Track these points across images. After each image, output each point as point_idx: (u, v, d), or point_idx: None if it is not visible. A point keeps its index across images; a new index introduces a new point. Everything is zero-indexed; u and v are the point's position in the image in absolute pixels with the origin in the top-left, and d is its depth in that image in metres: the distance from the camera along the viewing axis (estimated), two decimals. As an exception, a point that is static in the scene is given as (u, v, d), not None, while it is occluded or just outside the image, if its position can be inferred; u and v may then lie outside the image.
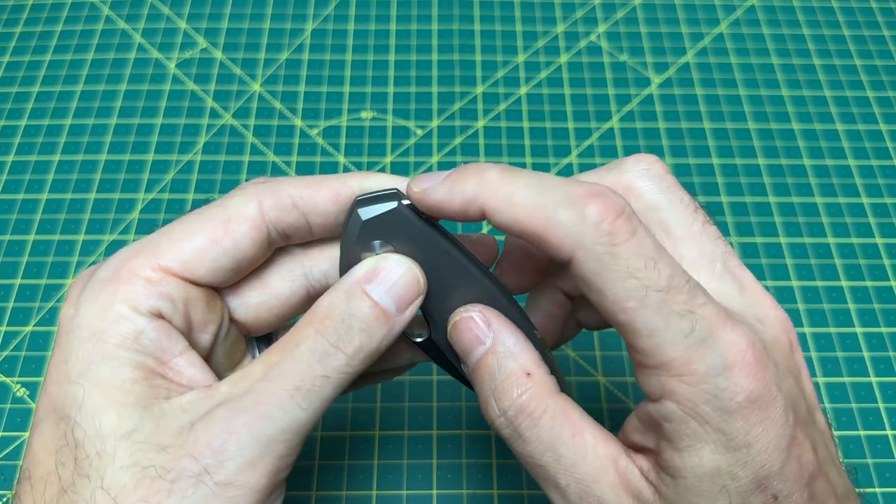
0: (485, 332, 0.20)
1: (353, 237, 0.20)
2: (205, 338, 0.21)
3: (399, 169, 0.39)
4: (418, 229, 0.20)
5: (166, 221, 0.37)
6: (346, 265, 0.21)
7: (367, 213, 0.20)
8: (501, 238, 0.26)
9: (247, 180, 0.39)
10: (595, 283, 0.18)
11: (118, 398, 0.18)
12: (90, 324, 0.19)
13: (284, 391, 0.19)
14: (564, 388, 0.21)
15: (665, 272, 0.18)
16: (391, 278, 0.20)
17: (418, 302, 0.21)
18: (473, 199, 0.19)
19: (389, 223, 0.20)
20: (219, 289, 0.22)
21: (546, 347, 0.22)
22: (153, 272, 0.20)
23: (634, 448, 0.20)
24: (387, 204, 0.20)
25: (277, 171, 0.39)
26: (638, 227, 0.18)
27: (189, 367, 0.20)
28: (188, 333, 0.21)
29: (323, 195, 0.21)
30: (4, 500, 0.30)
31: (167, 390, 0.19)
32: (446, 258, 0.20)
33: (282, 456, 0.19)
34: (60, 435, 0.18)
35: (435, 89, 0.42)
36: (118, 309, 0.19)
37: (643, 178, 0.21)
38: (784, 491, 0.18)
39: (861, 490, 0.22)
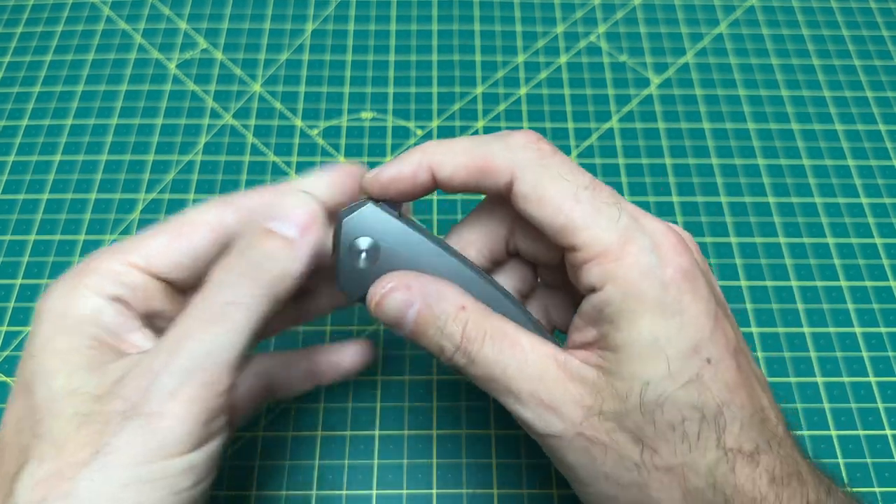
0: (409, 294, 0.22)
1: (342, 241, 0.23)
2: (166, 326, 0.22)
3: (399, 169, 0.39)
4: (390, 222, 0.23)
5: (167, 221, 0.37)
6: (341, 273, 0.23)
7: (347, 216, 0.23)
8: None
9: (247, 180, 0.39)
10: (534, 194, 0.21)
11: (71, 362, 0.21)
12: (55, 307, 0.22)
13: (196, 321, 0.21)
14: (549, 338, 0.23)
15: (587, 175, 0.22)
16: (286, 209, 0.22)
17: (318, 226, 0.22)
18: (420, 163, 0.23)
19: (367, 222, 0.23)
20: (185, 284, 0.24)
21: (520, 306, 0.24)
22: (120, 266, 0.23)
23: (578, 348, 0.22)
24: (362, 206, 0.23)
25: (278, 171, 0.39)
26: (555, 148, 0.22)
27: (145, 341, 0.22)
28: (150, 320, 0.23)
29: (265, 201, 0.24)
30: (5, 499, 0.30)
31: (119, 356, 0.21)
32: (420, 244, 0.23)
33: (206, 383, 0.20)
34: (24, 405, 0.21)
35: (435, 89, 0.42)
36: (81, 292, 0.22)
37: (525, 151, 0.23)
38: (715, 356, 0.20)
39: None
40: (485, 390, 0.22)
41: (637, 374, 0.20)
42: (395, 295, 0.22)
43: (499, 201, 0.24)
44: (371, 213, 0.23)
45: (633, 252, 0.21)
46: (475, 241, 0.25)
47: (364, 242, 0.23)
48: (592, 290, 0.21)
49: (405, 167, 0.23)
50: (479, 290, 0.23)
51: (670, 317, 0.20)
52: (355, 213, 0.23)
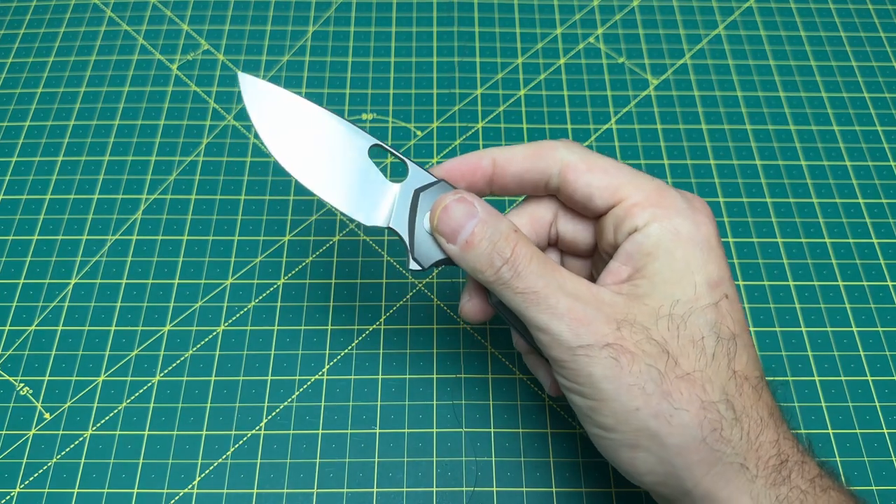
0: (473, 207, 0.25)
1: (419, 214, 0.27)
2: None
3: (399, 169, 0.39)
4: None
5: (169, 221, 0.38)
6: (417, 241, 0.27)
7: (423, 191, 0.27)
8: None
9: (249, 181, 0.39)
10: (583, 164, 0.26)
11: None
12: None
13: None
14: None
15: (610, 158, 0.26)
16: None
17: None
18: (483, 154, 0.27)
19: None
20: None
21: None
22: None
23: (608, 286, 0.25)
24: (435, 184, 0.27)
25: (279, 172, 0.39)
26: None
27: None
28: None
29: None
30: (6, 498, 0.30)
31: None
32: None
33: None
34: None
35: (435, 91, 0.43)
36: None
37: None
38: (732, 296, 0.24)
39: None
40: (518, 311, 0.24)
41: (668, 293, 0.23)
42: (462, 205, 0.25)
43: (544, 195, 0.28)
44: (443, 188, 0.26)
45: (670, 198, 0.25)
46: (524, 224, 0.28)
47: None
48: (634, 230, 0.25)
49: (471, 155, 0.27)
50: None
51: (702, 251, 0.24)
52: (429, 189, 0.26)
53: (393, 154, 0.27)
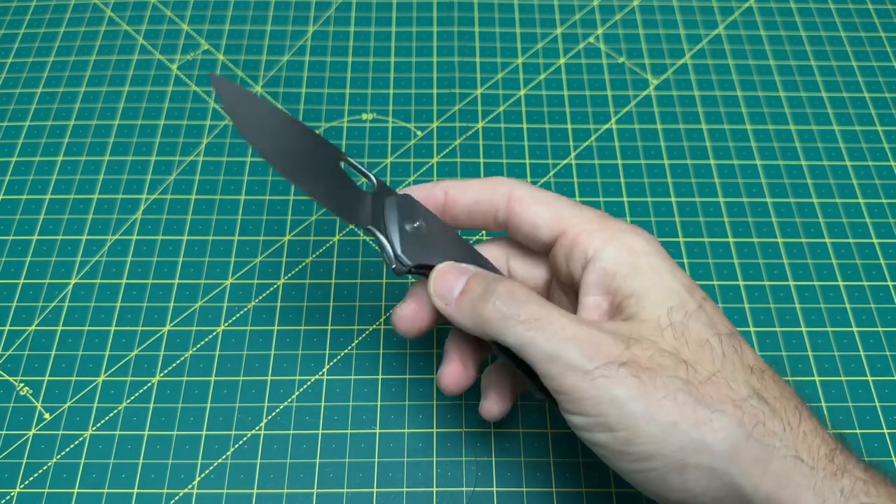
0: (464, 269, 0.26)
1: (397, 220, 0.27)
2: None
3: (399, 169, 0.40)
4: (427, 211, 0.28)
5: (169, 221, 0.38)
6: (399, 245, 0.27)
7: (399, 200, 0.28)
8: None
9: (249, 181, 0.39)
10: (530, 196, 0.27)
11: None
12: None
13: None
14: None
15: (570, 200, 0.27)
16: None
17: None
18: (438, 185, 0.28)
19: (411, 207, 0.28)
20: None
21: None
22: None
23: None
24: (402, 195, 0.28)
25: (279, 173, 0.39)
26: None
27: None
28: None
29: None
30: (6, 499, 0.30)
31: None
32: (446, 231, 0.28)
33: None
34: None
35: (435, 91, 0.43)
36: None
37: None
38: (707, 297, 0.25)
39: None
40: (523, 347, 0.23)
41: (659, 303, 0.23)
42: (455, 268, 0.26)
43: (495, 234, 0.29)
44: (411, 201, 0.27)
45: (612, 220, 0.26)
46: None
47: (413, 221, 0.27)
48: (588, 261, 0.25)
49: (427, 185, 0.28)
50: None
51: (661, 259, 0.25)
52: (404, 199, 0.27)
53: (358, 170, 0.28)
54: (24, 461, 0.31)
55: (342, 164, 0.29)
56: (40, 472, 0.31)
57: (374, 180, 0.28)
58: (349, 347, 0.34)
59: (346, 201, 0.27)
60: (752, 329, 0.35)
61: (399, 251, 0.26)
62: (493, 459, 0.31)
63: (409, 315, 0.27)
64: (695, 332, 0.23)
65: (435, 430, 0.32)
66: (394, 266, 0.27)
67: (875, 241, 0.38)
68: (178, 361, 0.34)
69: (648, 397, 0.21)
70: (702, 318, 0.23)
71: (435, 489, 0.31)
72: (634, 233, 0.25)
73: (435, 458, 0.31)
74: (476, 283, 0.25)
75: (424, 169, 0.40)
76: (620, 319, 0.24)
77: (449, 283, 0.26)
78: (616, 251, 0.25)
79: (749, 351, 0.24)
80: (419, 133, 0.41)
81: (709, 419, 0.21)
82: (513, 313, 0.23)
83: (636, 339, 0.23)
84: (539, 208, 0.26)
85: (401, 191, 0.28)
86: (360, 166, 0.28)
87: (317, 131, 0.41)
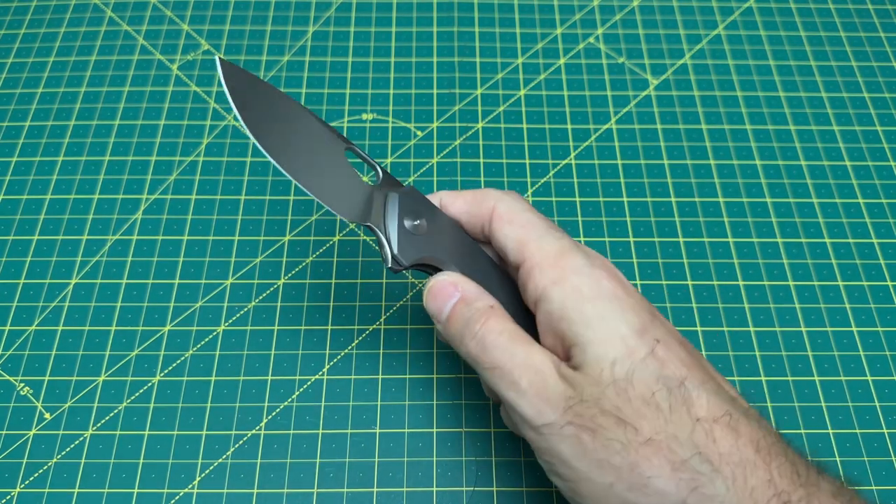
0: (455, 289, 0.26)
1: (398, 217, 0.27)
2: None
3: (399, 169, 0.40)
4: (431, 206, 0.28)
5: (169, 222, 0.38)
6: (397, 244, 0.27)
7: (402, 196, 0.27)
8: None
9: (249, 181, 0.39)
10: (507, 215, 0.26)
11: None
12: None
13: None
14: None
15: (544, 217, 0.27)
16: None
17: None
18: (432, 196, 0.28)
19: (413, 203, 0.28)
20: None
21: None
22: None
23: None
24: (406, 189, 0.28)
25: (279, 172, 0.39)
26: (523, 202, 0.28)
27: None
28: None
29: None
30: (6, 498, 0.30)
31: None
32: (453, 228, 0.28)
33: None
34: None
35: (435, 91, 0.43)
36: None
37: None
38: (663, 338, 0.23)
39: None
40: (490, 383, 0.25)
41: (602, 356, 0.23)
42: (445, 288, 0.26)
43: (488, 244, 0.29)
44: (415, 195, 0.27)
45: (569, 258, 0.25)
46: None
47: (415, 217, 0.27)
48: (538, 301, 0.25)
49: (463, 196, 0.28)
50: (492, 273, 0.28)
51: (611, 301, 0.24)
52: (407, 194, 0.27)
53: (364, 160, 0.28)
54: (25, 461, 0.31)
55: (347, 154, 0.28)
56: (41, 471, 0.31)
57: (380, 172, 0.28)
58: (349, 347, 0.34)
59: (346, 196, 0.27)
60: (752, 329, 0.35)
61: (395, 251, 0.26)
62: (493, 459, 0.31)
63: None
64: (640, 386, 0.22)
65: (435, 430, 0.32)
66: (389, 265, 0.27)
67: (875, 241, 0.38)
68: (178, 361, 0.34)
69: (589, 457, 0.22)
70: (649, 367, 0.22)
71: (435, 489, 0.31)
72: (585, 272, 0.24)
73: (435, 458, 0.31)
74: (459, 313, 0.26)
75: (424, 169, 0.40)
76: (571, 366, 0.23)
77: (439, 304, 0.26)
78: (562, 295, 0.24)
79: (703, 398, 0.22)
80: (419, 133, 0.41)
81: (643, 484, 0.21)
82: (480, 360, 0.25)
83: (580, 398, 0.22)
84: (510, 230, 0.26)
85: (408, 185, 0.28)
86: (366, 156, 0.28)
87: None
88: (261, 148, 0.26)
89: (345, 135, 0.41)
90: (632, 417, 0.22)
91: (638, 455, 0.21)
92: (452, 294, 0.26)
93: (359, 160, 0.28)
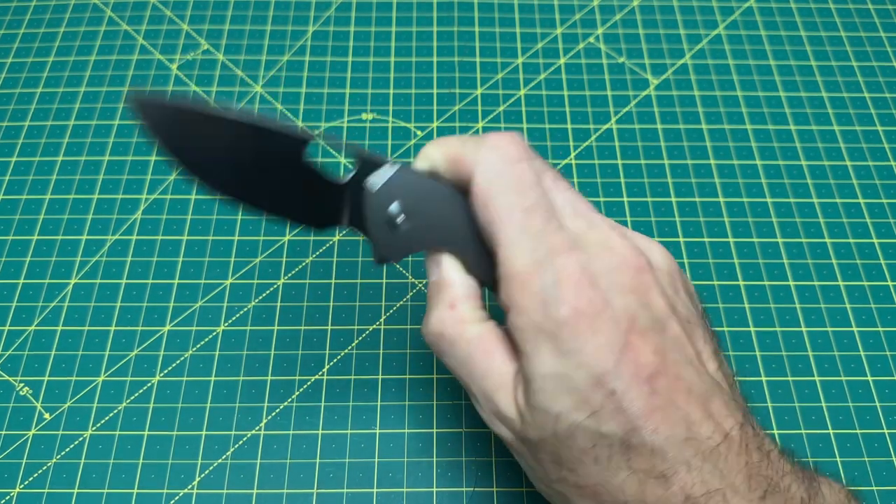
0: (436, 267, 0.25)
1: (376, 213, 0.24)
2: None
3: (399, 169, 0.39)
4: (416, 181, 0.24)
5: (169, 222, 0.38)
6: (380, 242, 0.25)
7: (376, 187, 0.24)
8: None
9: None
10: (482, 197, 0.23)
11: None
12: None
13: None
14: None
15: (534, 193, 0.23)
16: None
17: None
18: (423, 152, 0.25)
19: (395, 186, 0.24)
20: None
21: None
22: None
23: None
24: (388, 171, 0.24)
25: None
26: (525, 160, 0.23)
27: None
28: None
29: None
30: (6, 499, 0.30)
31: None
32: (445, 195, 0.24)
33: None
34: None
35: (435, 91, 0.43)
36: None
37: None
38: (621, 387, 0.21)
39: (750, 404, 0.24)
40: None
41: (547, 408, 0.21)
42: (431, 261, 0.25)
43: None
44: (398, 176, 0.24)
45: (537, 284, 0.21)
46: None
47: (396, 208, 0.24)
48: (507, 311, 0.23)
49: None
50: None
51: (567, 354, 0.21)
52: (389, 174, 0.24)
53: (336, 146, 0.25)
54: (24, 461, 0.31)
55: (310, 150, 0.24)
56: (40, 472, 0.31)
57: (358, 156, 0.24)
58: (349, 347, 0.34)
59: (314, 206, 0.25)
60: (752, 329, 0.35)
61: (382, 253, 0.25)
62: (494, 459, 0.31)
63: None
64: (581, 440, 0.21)
65: (435, 430, 0.32)
66: (377, 262, 0.25)
67: (875, 241, 0.38)
68: (177, 361, 0.34)
69: (534, 475, 0.24)
70: (597, 421, 0.21)
71: (435, 489, 0.31)
72: (550, 301, 0.21)
73: (435, 459, 0.31)
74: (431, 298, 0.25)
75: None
76: (525, 393, 0.22)
77: (429, 272, 0.25)
78: (519, 321, 0.22)
79: (648, 451, 0.21)
80: (419, 133, 0.41)
81: None
82: (445, 360, 0.25)
83: (522, 435, 0.23)
84: (484, 215, 0.23)
85: (391, 164, 0.24)
86: (336, 141, 0.25)
87: (316, 132, 0.41)
88: (204, 186, 0.23)
89: (345, 135, 0.41)
90: (570, 462, 0.22)
91: (571, 492, 0.22)
92: (432, 272, 0.25)
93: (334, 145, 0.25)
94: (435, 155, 0.24)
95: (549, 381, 0.21)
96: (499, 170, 0.23)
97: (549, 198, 0.23)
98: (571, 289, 0.21)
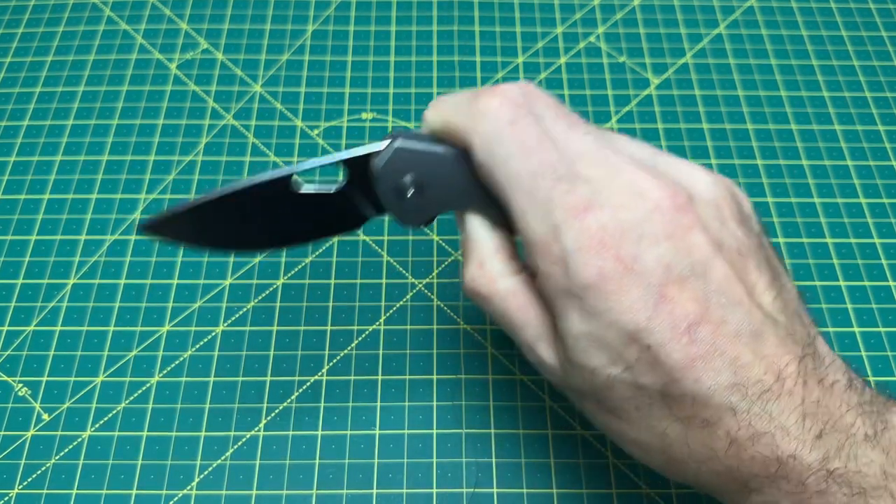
0: (462, 225, 0.25)
1: (388, 187, 0.24)
2: None
3: (399, 169, 0.39)
4: (421, 152, 0.24)
5: (167, 221, 0.38)
6: (401, 212, 0.25)
7: (381, 164, 0.24)
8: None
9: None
10: (486, 164, 0.22)
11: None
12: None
13: None
14: None
15: (537, 158, 0.21)
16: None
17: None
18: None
19: (401, 159, 0.24)
20: None
21: None
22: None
23: None
24: (391, 145, 0.24)
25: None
26: (522, 118, 0.22)
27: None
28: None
29: None
30: (5, 499, 0.30)
31: None
32: (454, 159, 0.24)
33: None
34: None
35: (435, 90, 0.42)
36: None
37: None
38: (657, 341, 0.20)
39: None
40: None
41: (583, 364, 0.22)
42: (462, 220, 0.25)
43: None
44: (402, 149, 0.24)
45: (556, 251, 0.21)
46: None
47: (405, 181, 0.24)
48: (533, 272, 0.23)
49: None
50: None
51: (595, 317, 0.21)
52: (388, 156, 0.24)
53: (326, 164, 0.25)
54: (23, 462, 0.31)
55: (298, 180, 0.25)
56: (39, 472, 0.31)
57: (346, 169, 0.25)
58: (349, 347, 0.34)
59: (336, 218, 0.26)
60: (753, 329, 0.35)
61: (405, 223, 0.25)
62: (494, 460, 0.31)
63: None
64: (620, 391, 0.22)
65: (435, 430, 0.32)
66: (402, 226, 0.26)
67: (877, 241, 0.38)
68: (177, 362, 0.33)
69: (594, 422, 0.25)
70: (633, 374, 0.21)
71: (435, 490, 0.31)
72: (573, 272, 0.21)
73: (435, 459, 0.31)
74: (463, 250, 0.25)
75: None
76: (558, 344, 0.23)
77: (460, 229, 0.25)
78: (546, 286, 0.22)
79: (689, 402, 0.21)
80: (419, 133, 0.41)
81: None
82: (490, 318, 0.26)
83: (565, 384, 0.23)
84: (491, 182, 0.22)
85: (392, 138, 0.24)
86: (322, 163, 0.24)
87: (316, 131, 0.40)
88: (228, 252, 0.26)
89: (344, 135, 0.41)
90: (614, 409, 0.22)
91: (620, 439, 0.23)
92: (461, 230, 0.25)
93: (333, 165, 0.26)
94: (433, 121, 0.24)
95: (582, 340, 0.21)
96: (496, 136, 0.22)
97: (561, 148, 0.22)
98: (593, 251, 0.20)
